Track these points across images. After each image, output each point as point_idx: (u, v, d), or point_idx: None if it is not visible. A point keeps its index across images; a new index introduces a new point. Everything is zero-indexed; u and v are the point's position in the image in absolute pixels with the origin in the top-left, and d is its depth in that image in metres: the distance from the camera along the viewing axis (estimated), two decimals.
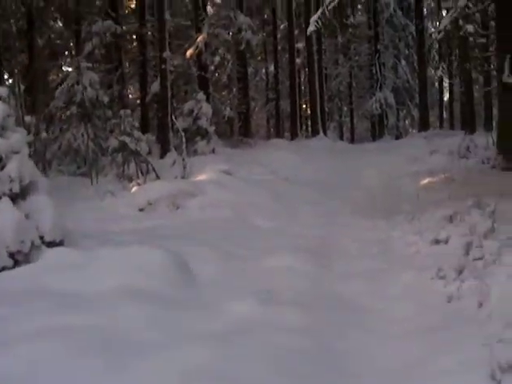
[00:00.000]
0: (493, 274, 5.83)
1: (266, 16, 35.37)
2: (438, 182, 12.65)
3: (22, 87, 12.20)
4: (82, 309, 5.35)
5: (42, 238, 7.33)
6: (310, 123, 28.98)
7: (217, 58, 36.44)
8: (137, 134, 14.75)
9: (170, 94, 16.97)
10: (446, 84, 39.88)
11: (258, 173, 13.96)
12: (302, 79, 36.92)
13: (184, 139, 13.41)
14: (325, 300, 5.86)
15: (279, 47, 33.53)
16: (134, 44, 27.18)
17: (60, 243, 7.49)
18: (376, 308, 5.55)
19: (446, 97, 40.36)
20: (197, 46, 19.35)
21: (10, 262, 6.92)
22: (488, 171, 12.80)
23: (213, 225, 9.56)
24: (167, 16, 17.19)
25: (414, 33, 30.61)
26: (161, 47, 17.07)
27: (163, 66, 16.83)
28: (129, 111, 15.04)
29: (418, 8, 26.82)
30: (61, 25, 26.33)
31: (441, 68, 12.47)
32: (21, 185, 7.51)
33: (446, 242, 7.84)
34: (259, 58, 39.89)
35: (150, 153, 18.19)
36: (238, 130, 32.38)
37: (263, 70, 39.07)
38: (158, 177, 12.53)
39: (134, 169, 14.33)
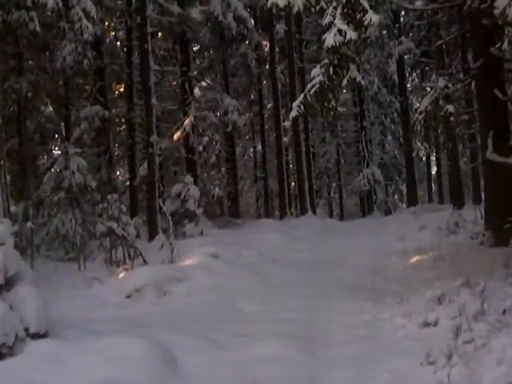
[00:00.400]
0: (482, 360, 5.83)
1: (252, 96, 36.11)
2: (427, 260, 12.68)
3: (9, 177, 12.29)
4: None
5: (26, 329, 7.28)
6: (298, 201, 29.22)
7: (205, 139, 36.86)
8: (125, 218, 14.80)
9: (157, 178, 17.16)
10: (433, 158, 40.59)
11: (245, 255, 13.99)
12: (290, 157, 37.41)
13: (171, 222, 13.50)
14: None
15: (266, 126, 34.10)
16: (123, 127, 27.64)
17: (44, 335, 7.43)
18: None
19: (434, 170, 40.96)
20: (184, 129, 19.71)
21: None
22: (477, 248, 12.85)
23: (199, 311, 9.52)
24: (154, 100, 17.55)
25: (399, 109, 31.31)
26: (148, 131, 17.38)
27: (150, 150, 17.08)
28: (116, 196, 15.17)
29: (401, 86, 27.56)
30: (51, 109, 26.79)
31: (423, 148, 12.76)
32: (5, 276, 7.51)
33: (435, 324, 7.85)
34: (247, 137, 40.49)
35: (138, 236, 18.23)
36: (227, 210, 32.63)
37: (251, 149, 39.57)
38: (145, 262, 12.53)
39: (122, 253, 14.31)
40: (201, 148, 38.21)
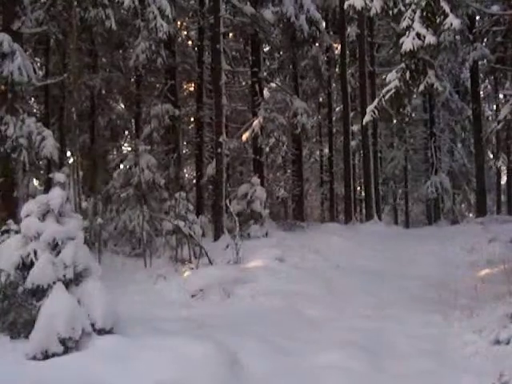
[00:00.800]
0: None
1: (321, 99, 35.85)
2: (498, 273, 12.24)
3: (81, 172, 12.48)
4: None
5: (93, 325, 7.35)
6: (364, 206, 28.82)
7: (272, 140, 36.60)
8: (191, 216, 14.90)
9: (224, 178, 17.16)
10: (503, 167, 39.49)
11: (310, 259, 13.83)
12: (357, 161, 36.97)
13: (237, 223, 13.43)
14: None
15: (334, 130, 33.80)
16: (191, 126, 27.86)
17: (110, 330, 7.49)
18: None
19: (504, 180, 39.80)
20: (253, 130, 19.65)
21: (60, 349, 6.96)
22: None
23: (263, 315, 9.45)
24: (224, 100, 17.57)
25: (471, 116, 30.52)
26: (217, 131, 17.39)
27: (219, 150, 17.09)
28: (184, 194, 15.25)
29: (474, 92, 26.78)
30: (122, 107, 27.25)
31: (502, 158, 12.24)
32: (75, 271, 7.61)
33: (508, 342, 7.55)
34: (314, 139, 40.22)
35: (203, 235, 18.30)
36: (291, 212, 32.49)
37: (318, 152, 39.29)
38: (210, 261, 12.54)
39: (188, 252, 14.39)
40: (267, 149, 38.23)
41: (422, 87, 9.49)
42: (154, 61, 19.37)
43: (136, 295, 10.51)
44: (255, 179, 17.97)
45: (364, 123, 11.05)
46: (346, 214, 25.56)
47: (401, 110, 9.95)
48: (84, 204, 12.27)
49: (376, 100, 9.99)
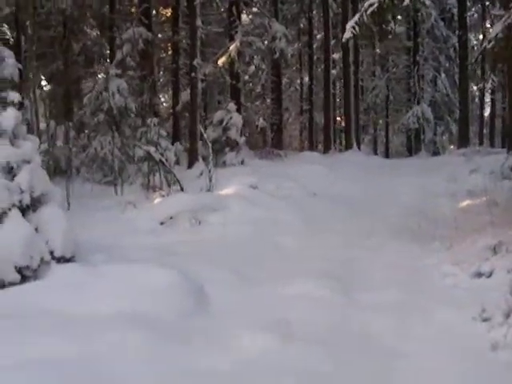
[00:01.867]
0: None
1: (302, 25, 34.89)
2: (479, 204, 11.91)
3: (39, 92, 11.75)
4: (74, 336, 4.95)
5: (51, 252, 6.92)
6: (343, 136, 28.36)
7: (251, 68, 36.10)
8: (164, 143, 14.37)
9: (198, 103, 16.56)
10: (487, 99, 39.00)
11: (286, 187, 13.41)
12: (338, 91, 36.30)
13: (211, 150, 12.94)
14: (348, 339, 5.30)
15: (315, 57, 33.04)
16: (169, 52, 26.95)
17: (70, 259, 7.08)
18: (405, 352, 4.96)
19: (487, 112, 39.43)
20: (229, 55, 18.91)
21: (17, 278, 6.55)
22: None
23: (233, 243, 9.07)
24: (199, 22, 16.78)
25: (457, 45, 29.84)
26: (191, 55, 16.68)
27: (193, 74, 16.42)
28: (156, 120, 14.65)
29: (461, 18, 25.99)
30: (97, 33, 26.19)
31: (490, 81, 11.60)
32: (31, 196, 7.11)
33: (489, 275, 7.21)
34: (294, 68, 39.46)
35: (178, 163, 17.83)
36: (270, 141, 32.04)
37: (298, 81, 38.52)
38: (182, 189, 12.07)
39: (160, 179, 13.93)
40: (246, 77, 37.46)
41: (407, 1, 8.84)
42: None
43: (103, 222, 10.07)
44: (231, 105, 17.39)
45: (344, 40, 10.42)
46: (325, 144, 25.15)
47: (383, 25, 9.32)
48: (42, 126, 11.59)
49: (357, 15, 9.34)
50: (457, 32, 30.06)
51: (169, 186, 12.63)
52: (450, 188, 14.19)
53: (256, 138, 40.27)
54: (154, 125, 14.16)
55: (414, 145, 32.24)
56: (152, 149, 12.34)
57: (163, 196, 11.34)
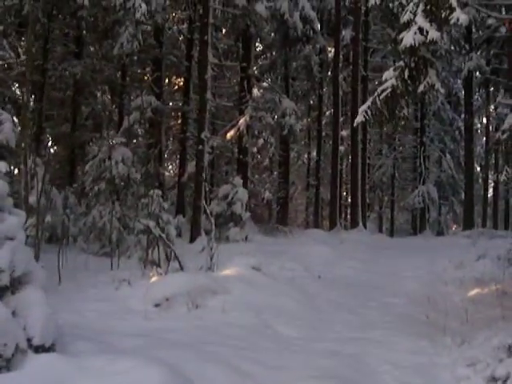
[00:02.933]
0: None
1: (312, 102, 34.85)
2: (489, 294, 11.20)
3: (31, 159, 11.15)
4: None
5: (29, 340, 6.16)
6: (349, 212, 27.77)
7: (260, 141, 35.84)
8: (165, 216, 13.74)
9: (204, 176, 16.03)
10: (490, 180, 38.56)
11: (289, 268, 12.72)
12: (345, 167, 35.97)
13: (214, 225, 12.32)
14: None
15: (324, 133, 32.85)
16: (178, 121, 26.71)
17: (50, 348, 6.30)
18: None
19: (490, 193, 38.92)
20: (238, 128, 18.54)
21: None
22: None
23: (232, 333, 8.30)
24: (209, 95, 16.42)
25: (462, 127, 29.60)
26: (200, 127, 16.26)
27: (200, 147, 15.96)
28: (159, 192, 14.06)
29: (467, 102, 25.73)
30: (108, 97, 26.03)
31: (505, 172, 11.04)
32: (11, 276, 6.39)
33: (506, 380, 6.46)
34: (303, 142, 39.32)
35: (179, 235, 17.20)
36: (275, 215, 31.53)
37: (306, 155, 38.30)
38: (181, 266, 11.37)
39: (160, 254, 13.26)
40: (255, 149, 37.28)
41: (421, 87, 8.38)
42: (140, 51, 18.22)
43: (94, 302, 9.35)
44: (237, 180, 16.84)
45: (355, 124, 9.93)
46: (331, 220, 24.53)
47: (396, 111, 8.83)
48: (32, 199, 10.92)
49: (370, 99, 8.84)
50: (462, 115, 29.93)
51: (168, 262, 11.91)
52: (458, 274, 13.49)
53: (262, 210, 39.86)
54: (157, 196, 13.54)
55: (418, 223, 31.64)
56: (152, 223, 11.69)
57: (160, 274, 10.61)
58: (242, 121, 18.48)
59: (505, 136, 8.50)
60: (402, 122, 19.55)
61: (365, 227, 25.09)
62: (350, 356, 7.59)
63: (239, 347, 7.57)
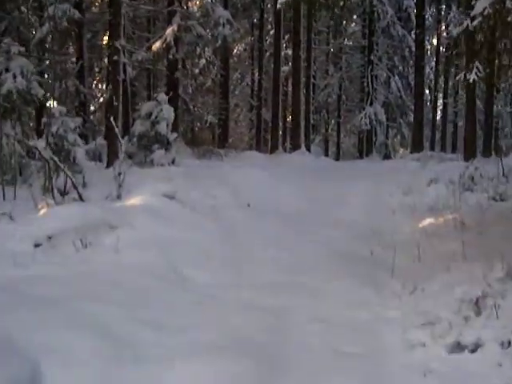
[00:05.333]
0: None
1: (255, 20, 32.31)
2: (444, 224, 9.48)
3: None
4: None
5: None
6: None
7: (202, 61, 33.53)
8: (72, 137, 11.54)
9: (120, 92, 13.72)
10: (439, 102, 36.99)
11: (215, 195, 10.73)
12: (290, 89, 33.82)
13: (121, 146, 10.20)
14: None
15: (268, 53, 30.55)
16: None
17: None
18: None
19: (438, 115, 37.42)
20: (165, 39, 16.15)
21: None
22: (508, 214, 9.61)
23: (124, 278, 6.36)
24: None
25: (412, 45, 27.60)
26: (113, 34, 13.83)
27: (115, 58, 13.58)
28: (63, 108, 11.79)
29: (419, 16, 23.55)
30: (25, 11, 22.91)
31: (475, 69, 9.07)
32: None
33: (475, 349, 4.72)
34: (246, 63, 37.06)
35: (100, 160, 15.09)
36: (217, 138, 29.55)
37: (249, 77, 35.98)
38: (80, 196, 9.29)
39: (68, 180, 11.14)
40: (197, 71, 34.71)
41: None
42: None
43: None
44: (162, 96, 14.54)
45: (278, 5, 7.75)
46: (272, 143, 22.58)
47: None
48: None
49: None
50: (413, 33, 27.91)
51: (76, 189, 9.77)
52: (407, 201, 11.69)
53: (206, 134, 37.71)
54: (62, 115, 11.28)
55: (365, 146, 29.93)
56: (41, 144, 9.45)
57: (48, 206, 8.50)
58: (169, 31, 16.07)
59: (475, 23, 6.51)
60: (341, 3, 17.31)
61: (309, 150, 23.23)
62: (269, 313, 5.75)
63: (126, 301, 5.65)
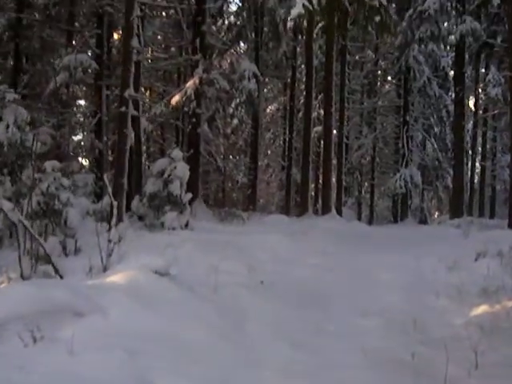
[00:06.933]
0: None
1: (289, 80, 30.96)
2: (502, 314, 7.39)
3: None
4: None
5: None
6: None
7: (235, 121, 32.27)
8: (64, 196, 9.82)
9: (127, 146, 12.06)
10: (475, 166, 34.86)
11: (224, 269, 8.79)
12: (322, 149, 32.10)
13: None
14: None
15: (300, 113, 29.07)
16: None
17: None
18: None
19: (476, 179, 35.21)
20: (185, 92, 14.56)
21: None
22: None
23: None
24: (135, 43, 12.35)
25: (450, 106, 25.76)
26: (123, 83, 12.24)
27: (123, 109, 11.96)
28: (57, 163, 10.12)
29: (458, 74, 21.67)
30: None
31: None
32: None
33: None
34: (279, 123, 35.79)
35: (109, 222, 13.31)
36: (246, 199, 28.06)
37: (281, 137, 34.56)
38: (56, 271, 7.45)
39: (57, 245, 9.37)
40: (229, 131, 33.45)
41: None
42: None
43: None
44: (176, 152, 12.85)
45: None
46: (301, 205, 20.64)
47: None
48: None
49: None
50: (450, 93, 26.17)
51: (49, 260, 7.96)
52: (453, 279, 9.52)
53: (238, 195, 36.16)
54: (54, 170, 9.59)
55: (399, 210, 27.82)
56: (8, 205, 7.66)
57: (10, 280, 6.67)
58: (190, 83, 14.50)
59: None
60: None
61: (340, 213, 21.28)
62: None
63: None
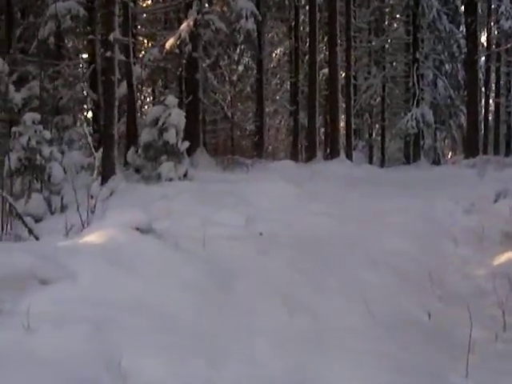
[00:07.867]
0: None
1: (293, 23, 29.54)
2: None
3: None
4: None
5: None
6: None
7: (240, 67, 31.18)
8: (47, 150, 8.95)
9: (116, 94, 11.08)
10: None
11: (219, 222, 7.96)
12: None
13: (99, 158, 7.57)
14: None
15: (307, 56, 27.74)
16: None
17: None
18: None
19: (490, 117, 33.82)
20: (179, 36, 13.48)
21: None
22: None
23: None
24: None
25: (461, 40, 24.36)
26: (108, 26, 11.18)
27: (109, 54, 10.94)
28: (37, 116, 9.20)
29: (471, 5, 20.25)
30: None
31: None
32: None
33: None
34: (286, 68, 34.46)
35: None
36: (254, 147, 27.35)
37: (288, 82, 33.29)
38: (30, 231, 6.62)
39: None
40: (235, 78, 32.22)
41: None
42: None
43: None
44: (170, 99, 11.84)
45: None
46: (309, 151, 19.68)
47: None
48: None
49: None
50: (461, 26, 24.74)
51: (22, 221, 7.13)
52: (472, 223, 8.64)
53: (248, 142, 35.18)
54: (33, 123, 8.69)
55: (412, 151, 26.69)
56: None
57: None
58: (183, 25, 13.40)
59: None
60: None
61: (351, 157, 20.29)
62: None
63: None
